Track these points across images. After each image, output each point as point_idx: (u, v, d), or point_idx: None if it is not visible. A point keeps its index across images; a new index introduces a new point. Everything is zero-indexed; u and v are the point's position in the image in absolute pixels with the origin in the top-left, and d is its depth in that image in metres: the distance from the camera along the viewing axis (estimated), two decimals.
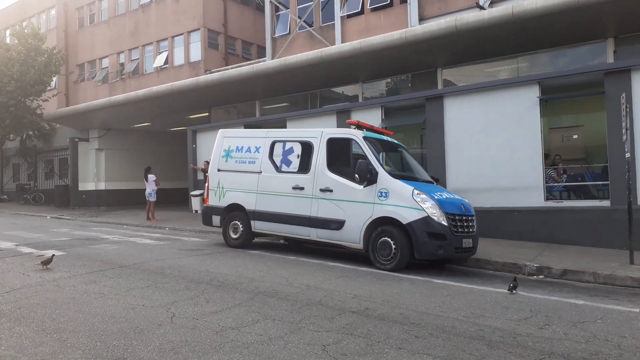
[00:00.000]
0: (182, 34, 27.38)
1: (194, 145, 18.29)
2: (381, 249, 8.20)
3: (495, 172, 11.82)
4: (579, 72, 11.06)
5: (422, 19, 17.97)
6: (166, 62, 27.98)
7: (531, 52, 13.20)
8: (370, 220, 8.30)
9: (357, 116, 14.19)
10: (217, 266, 7.99)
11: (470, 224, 8.56)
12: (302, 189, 9.18)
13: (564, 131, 13.85)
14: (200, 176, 18.32)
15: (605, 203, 10.77)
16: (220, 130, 10.98)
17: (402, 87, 15.66)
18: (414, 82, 15.08)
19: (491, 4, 16.02)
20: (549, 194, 11.59)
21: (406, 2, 18.76)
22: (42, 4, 33.74)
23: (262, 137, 10.12)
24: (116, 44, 30.27)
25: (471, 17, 11.77)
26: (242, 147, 10.31)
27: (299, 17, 22.79)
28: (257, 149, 10.06)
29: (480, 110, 12.16)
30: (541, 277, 8.38)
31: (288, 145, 9.68)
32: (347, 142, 8.96)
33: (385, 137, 9.63)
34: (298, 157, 9.48)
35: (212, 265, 8.03)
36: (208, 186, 10.68)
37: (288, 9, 23.29)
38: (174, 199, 22.90)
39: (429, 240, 7.90)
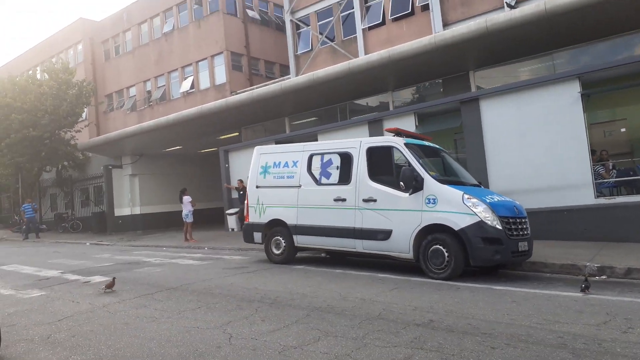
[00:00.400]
0: (205, 58, 27.73)
1: (226, 165, 18.31)
2: (433, 257, 7.88)
3: (539, 171, 11.40)
4: (622, 64, 10.61)
5: (446, 24, 17.73)
6: (192, 86, 28.34)
7: (565, 48, 12.79)
8: (420, 228, 8.00)
9: (389, 124, 13.96)
10: (264, 283, 7.80)
11: (524, 226, 8.19)
12: (344, 200, 8.96)
13: (605, 126, 13.33)
14: (235, 194, 18.33)
15: None
16: (256, 148, 10.88)
17: (434, 92, 15.37)
18: (446, 86, 14.79)
19: (517, 3, 15.73)
20: (598, 191, 11.10)
21: (427, 10, 18.63)
22: (69, 39, 34.77)
23: (299, 152, 9.97)
24: (142, 72, 30.88)
25: (502, 16, 11.47)
26: (279, 163, 10.17)
27: (320, 33, 22.85)
28: (295, 163, 9.90)
29: (519, 110, 11.80)
30: (604, 277, 7.92)
31: (326, 158, 9.49)
32: (388, 150, 8.72)
33: (426, 143, 9.36)
34: (337, 169, 9.28)
35: (260, 283, 7.84)
36: (247, 203, 10.55)
37: (309, 25, 23.36)
38: (209, 218, 22.96)
39: (484, 245, 7.55)
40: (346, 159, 9.17)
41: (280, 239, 9.94)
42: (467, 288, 7.09)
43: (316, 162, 9.62)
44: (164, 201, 25.66)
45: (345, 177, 9.11)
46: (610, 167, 11.53)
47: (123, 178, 25.59)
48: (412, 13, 19.49)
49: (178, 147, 23.68)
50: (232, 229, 18.10)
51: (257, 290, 7.25)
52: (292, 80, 15.66)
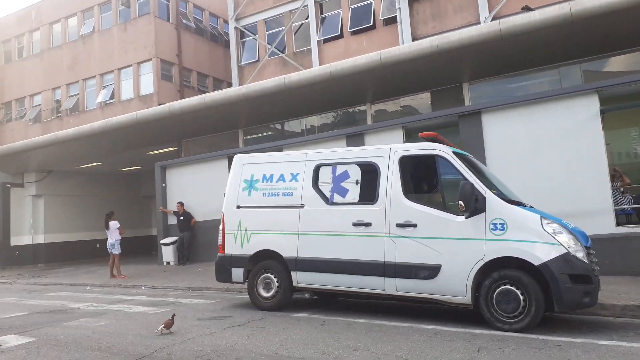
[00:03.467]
0: (131, 65, 24.72)
1: (163, 184, 15.38)
2: (502, 302, 5.93)
3: (553, 195, 9.99)
4: None
5: (415, 39, 16.54)
6: (112, 96, 25.12)
7: (571, 62, 11.77)
8: (483, 263, 6.04)
9: (371, 139, 12.18)
10: (285, 347, 5.33)
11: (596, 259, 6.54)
12: (368, 225, 6.81)
13: None
14: (172, 220, 15.41)
15: None
16: (237, 157, 8.42)
17: (420, 106, 13.79)
18: (435, 100, 13.25)
19: (493, 18, 14.85)
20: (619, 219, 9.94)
21: (392, 24, 17.56)
22: None
23: (300, 161, 7.69)
24: (51, 78, 26.94)
25: (519, 18, 10.13)
26: (271, 176, 7.82)
27: (269, 44, 20.92)
28: (295, 177, 7.61)
29: (527, 127, 10.47)
30: None
31: (340, 169, 7.31)
32: (430, 161, 6.76)
33: (467, 154, 7.52)
34: (357, 184, 7.14)
35: (275, 345, 5.38)
36: (223, 229, 8.01)
37: (255, 34, 21.37)
38: (133, 250, 19.49)
39: (573, 285, 5.74)
40: (369, 171, 7.07)
41: (272, 277, 7.52)
42: (569, 345, 5.20)
43: (325, 175, 7.41)
44: (74, 228, 21.75)
45: (368, 194, 6.99)
46: (622, 190, 10.46)
47: (24, 199, 21.32)
48: (373, 27, 18.28)
49: (96, 164, 20.12)
50: (168, 263, 15.11)
51: (290, 358, 4.83)
52: (258, 84, 13.33)
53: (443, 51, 10.77)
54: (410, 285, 6.48)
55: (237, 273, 7.81)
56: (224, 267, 7.97)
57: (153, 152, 18.44)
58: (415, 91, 13.36)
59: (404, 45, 11.28)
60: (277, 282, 7.47)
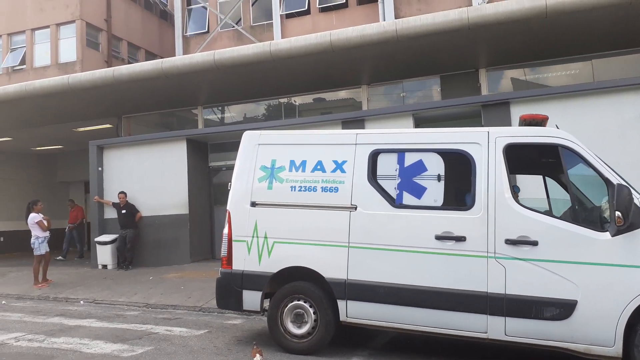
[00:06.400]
0: (48, 26, 21.13)
1: (99, 169, 12.34)
2: None
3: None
4: None
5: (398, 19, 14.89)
6: (22, 61, 21.24)
7: (610, 52, 10.53)
8: None
9: (372, 126, 10.26)
10: None
11: None
12: (460, 239, 4.79)
13: None
14: (109, 214, 12.42)
15: None
16: (249, 134, 5.99)
17: (426, 93, 11.93)
18: (445, 86, 11.45)
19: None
20: None
21: (366, 3, 16.25)
22: None
23: (347, 144, 5.48)
24: None
25: None
26: (303, 162, 5.54)
27: (222, 14, 18.35)
28: (340, 165, 5.41)
29: (562, 122, 9.03)
30: None
31: (411, 159, 5.20)
32: (551, 152, 4.92)
33: None
34: (440, 180, 5.08)
35: None
36: (230, 234, 5.62)
37: (206, 2, 18.67)
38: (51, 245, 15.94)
39: None
40: (458, 164, 5.06)
41: (307, 306, 5.28)
42: None
43: (388, 166, 5.26)
44: None
45: (459, 196, 5.03)
46: None
47: None
48: (346, 5, 16.59)
49: (6, 139, 16.28)
50: (105, 266, 12.13)
51: None
52: (235, 50, 10.58)
53: (473, 26, 9.01)
54: (528, 327, 4.56)
55: (252, 298, 5.47)
56: (230, 288, 5.57)
57: (82, 129, 15.12)
58: (423, 74, 11.52)
59: (427, 15, 9.34)
60: (314, 314, 5.25)
